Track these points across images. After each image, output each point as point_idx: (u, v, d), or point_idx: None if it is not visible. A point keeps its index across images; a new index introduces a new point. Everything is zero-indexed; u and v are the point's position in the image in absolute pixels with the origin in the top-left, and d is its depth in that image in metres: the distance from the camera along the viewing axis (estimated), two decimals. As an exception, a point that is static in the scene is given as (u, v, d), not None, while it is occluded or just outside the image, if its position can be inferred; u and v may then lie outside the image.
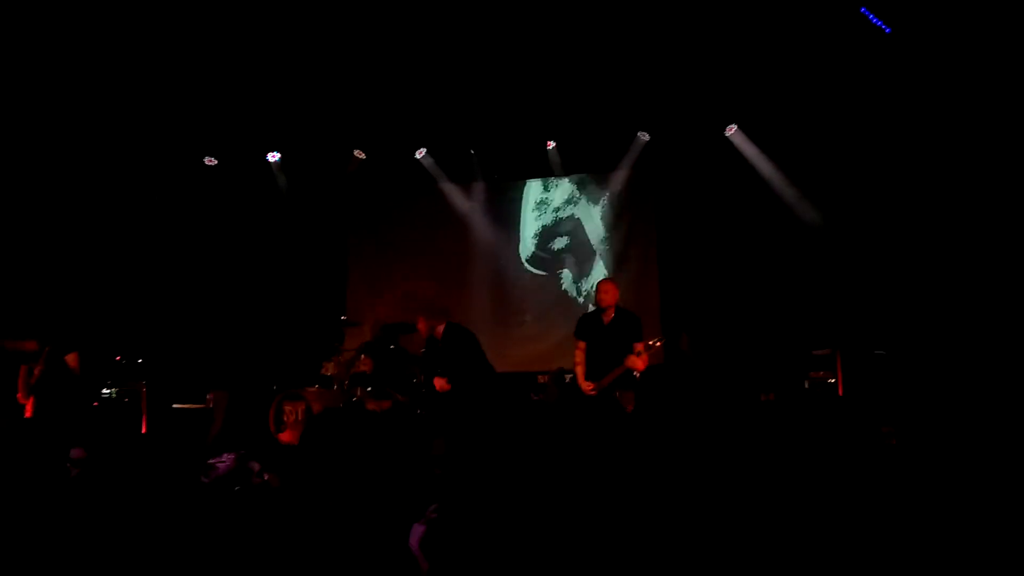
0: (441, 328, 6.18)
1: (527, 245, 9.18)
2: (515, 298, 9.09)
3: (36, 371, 6.34)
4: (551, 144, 8.79)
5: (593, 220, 9.00)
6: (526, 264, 9.15)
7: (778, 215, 8.02)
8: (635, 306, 8.10)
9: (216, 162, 8.96)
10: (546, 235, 9.12)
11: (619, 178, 8.84)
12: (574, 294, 8.95)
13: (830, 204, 7.74)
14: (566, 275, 9.02)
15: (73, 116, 7.78)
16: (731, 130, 8.26)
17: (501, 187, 9.30)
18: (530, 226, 9.19)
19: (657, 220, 8.76)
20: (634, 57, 7.18)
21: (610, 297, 5.70)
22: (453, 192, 9.22)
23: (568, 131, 8.62)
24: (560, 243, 9.05)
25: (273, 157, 8.97)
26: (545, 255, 9.05)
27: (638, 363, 5.41)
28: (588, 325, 5.81)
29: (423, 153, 9.01)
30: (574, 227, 9.05)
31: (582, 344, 5.75)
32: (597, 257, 8.93)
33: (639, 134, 8.49)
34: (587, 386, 5.57)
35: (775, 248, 8.00)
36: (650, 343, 5.54)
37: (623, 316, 5.73)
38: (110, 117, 7.91)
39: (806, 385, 6.35)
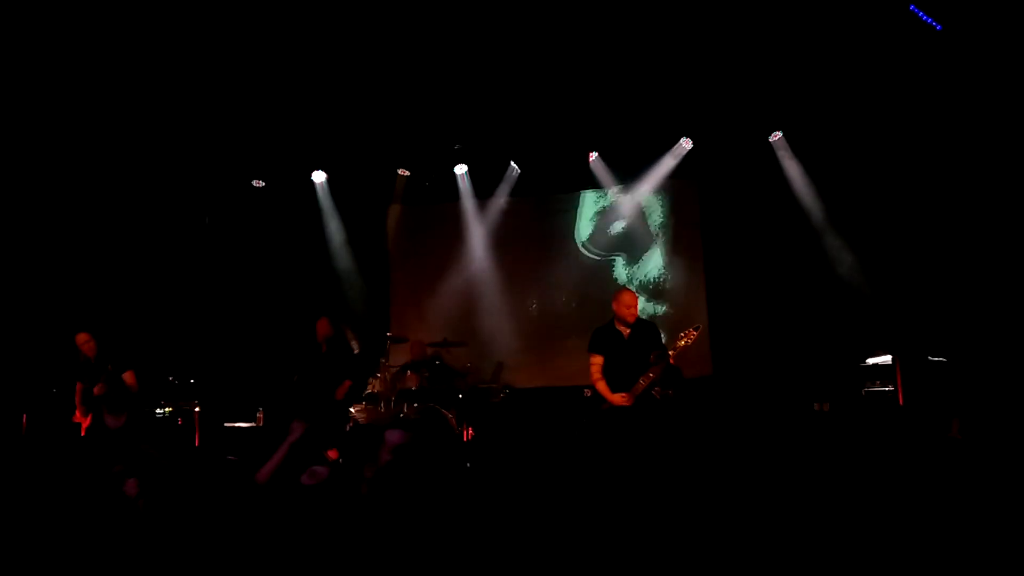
0: None
1: (584, 227, 9.17)
2: (561, 312, 9.03)
3: (96, 390, 6.39)
4: (593, 155, 8.74)
5: (654, 208, 8.96)
6: (582, 249, 9.13)
7: (830, 216, 7.84)
8: (684, 315, 7.97)
9: (264, 184, 9.15)
10: (605, 218, 9.09)
11: (664, 186, 8.72)
12: (623, 280, 8.89)
13: (884, 205, 7.52)
14: (619, 262, 8.99)
15: (129, 142, 8.04)
16: (776, 136, 8.12)
17: (545, 200, 9.28)
18: (589, 208, 9.20)
19: (703, 227, 8.63)
20: (674, 63, 7.12)
21: (636, 311, 5.58)
22: (493, 206, 9.21)
23: (609, 141, 8.56)
24: (618, 227, 8.99)
25: (319, 178, 9.12)
26: (602, 238, 9.04)
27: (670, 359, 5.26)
28: (606, 339, 5.57)
29: (464, 169, 9.06)
30: (633, 212, 8.94)
31: (599, 359, 5.51)
32: (655, 244, 8.86)
33: (682, 140, 8.39)
34: (620, 398, 5.33)
35: (828, 252, 7.80)
36: (684, 335, 5.35)
37: (641, 327, 5.61)
38: (164, 145, 8.18)
39: (863, 394, 6.12)
